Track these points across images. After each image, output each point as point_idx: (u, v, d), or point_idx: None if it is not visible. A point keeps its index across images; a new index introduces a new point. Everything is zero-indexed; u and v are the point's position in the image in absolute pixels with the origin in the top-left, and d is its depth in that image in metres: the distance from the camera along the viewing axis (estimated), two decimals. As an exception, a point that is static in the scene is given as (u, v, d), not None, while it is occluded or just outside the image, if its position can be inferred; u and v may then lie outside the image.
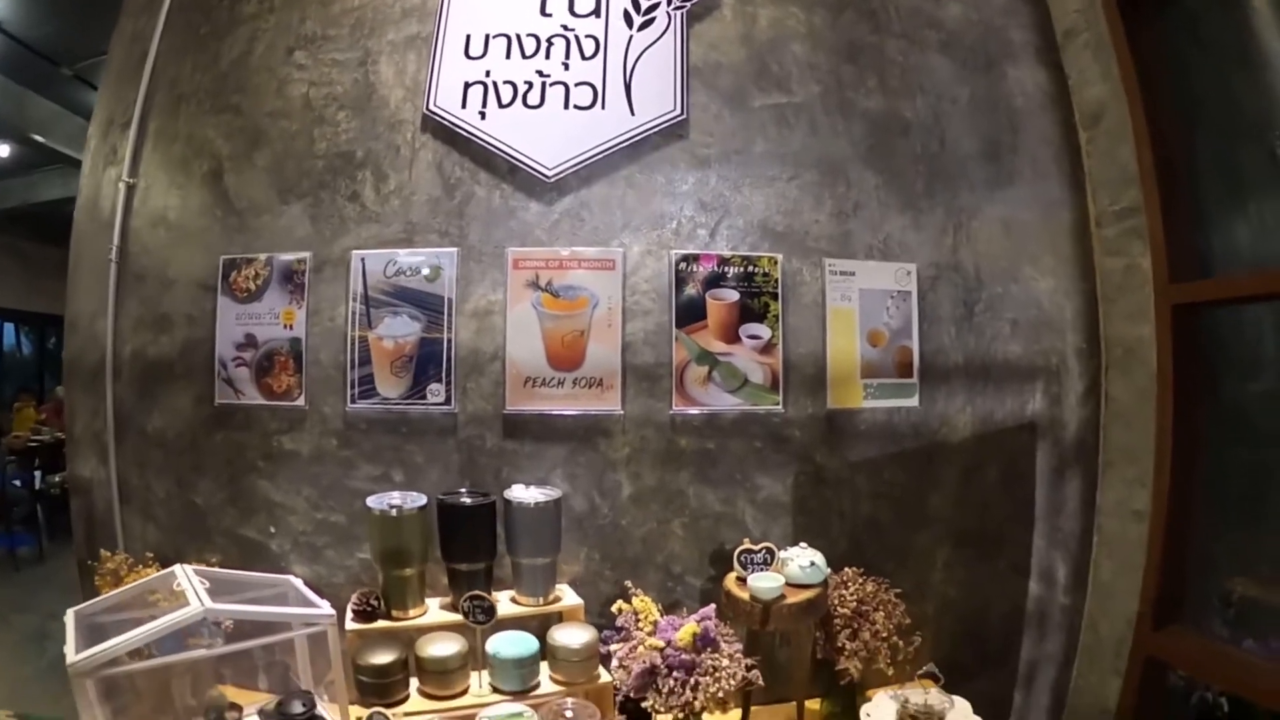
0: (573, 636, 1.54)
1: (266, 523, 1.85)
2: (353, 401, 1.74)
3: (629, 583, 1.59)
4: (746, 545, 1.60)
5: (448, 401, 1.71)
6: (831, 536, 1.81)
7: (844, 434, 1.79)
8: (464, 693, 1.51)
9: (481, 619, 1.50)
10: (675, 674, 1.45)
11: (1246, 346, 1.70)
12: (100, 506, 2.07)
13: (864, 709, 1.55)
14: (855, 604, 1.66)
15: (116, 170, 2.08)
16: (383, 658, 1.48)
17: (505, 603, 1.63)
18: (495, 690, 1.52)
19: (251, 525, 1.87)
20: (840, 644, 1.63)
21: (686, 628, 1.49)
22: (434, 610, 1.62)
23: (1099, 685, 1.84)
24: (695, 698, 1.43)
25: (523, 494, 1.60)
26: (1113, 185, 1.83)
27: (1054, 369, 1.93)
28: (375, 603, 1.58)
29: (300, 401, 1.80)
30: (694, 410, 1.71)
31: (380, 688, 1.47)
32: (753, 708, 1.80)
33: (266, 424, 1.84)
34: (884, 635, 1.63)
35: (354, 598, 1.59)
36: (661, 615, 1.56)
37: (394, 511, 1.57)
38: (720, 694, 1.44)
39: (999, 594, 1.99)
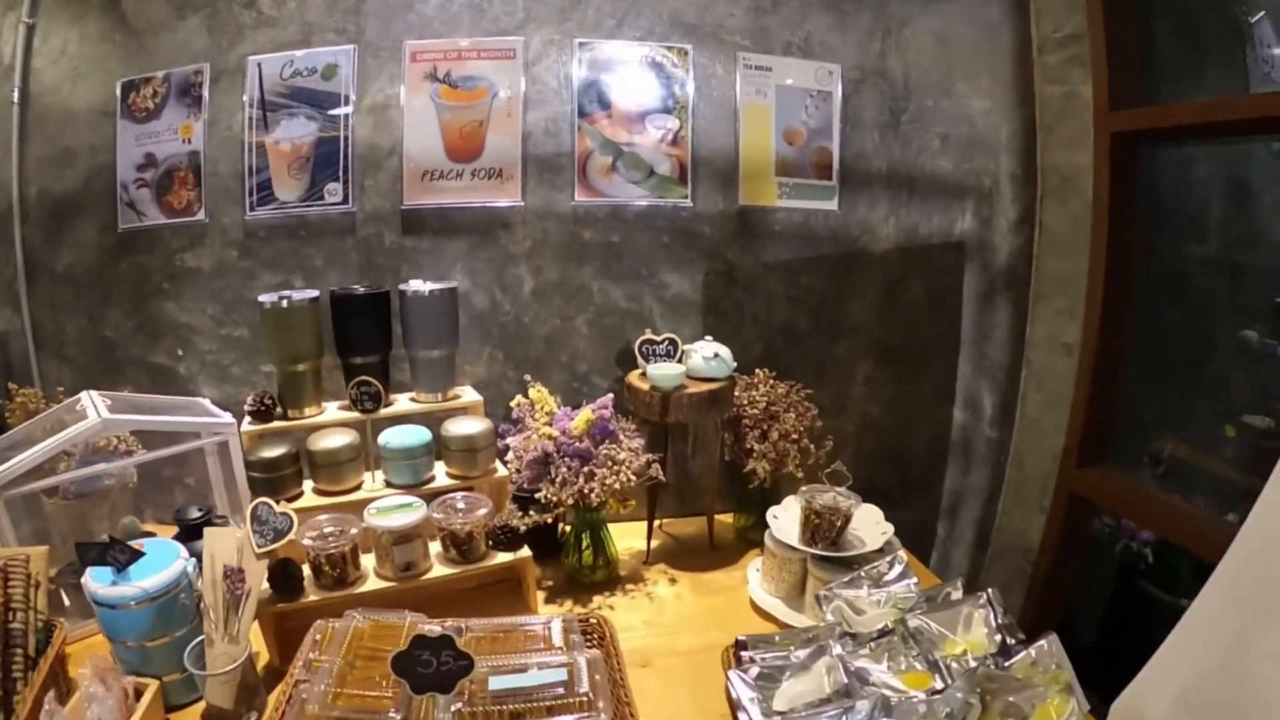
0: (466, 427, 1.49)
1: (174, 346, 1.80)
2: (251, 210, 1.68)
3: (528, 376, 1.55)
4: (648, 335, 1.55)
5: (345, 200, 1.65)
6: (744, 340, 1.77)
7: (757, 233, 1.73)
8: (357, 488, 1.48)
9: (369, 406, 1.46)
10: (569, 462, 1.41)
11: (1192, 206, 1.63)
12: (17, 358, 2.03)
13: (770, 511, 1.51)
14: (765, 405, 1.62)
15: (16, 13, 2.00)
16: (272, 451, 1.43)
17: (404, 402, 1.59)
18: (389, 485, 1.48)
19: (160, 350, 1.82)
20: (749, 445, 1.60)
21: (581, 414, 1.45)
22: (332, 411, 1.57)
23: (1023, 522, 1.83)
24: (591, 489, 1.40)
25: (417, 285, 1.55)
26: (1057, 11, 1.74)
27: (985, 191, 1.87)
28: (270, 401, 1.54)
29: (200, 215, 1.73)
30: (597, 201, 1.64)
31: (271, 482, 1.42)
32: (664, 520, 1.78)
33: (169, 243, 1.78)
34: (794, 437, 1.59)
35: (249, 398, 1.55)
36: (559, 407, 1.52)
37: (284, 303, 1.51)
38: (619, 485, 1.41)
39: (923, 418, 1.96)
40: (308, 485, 1.49)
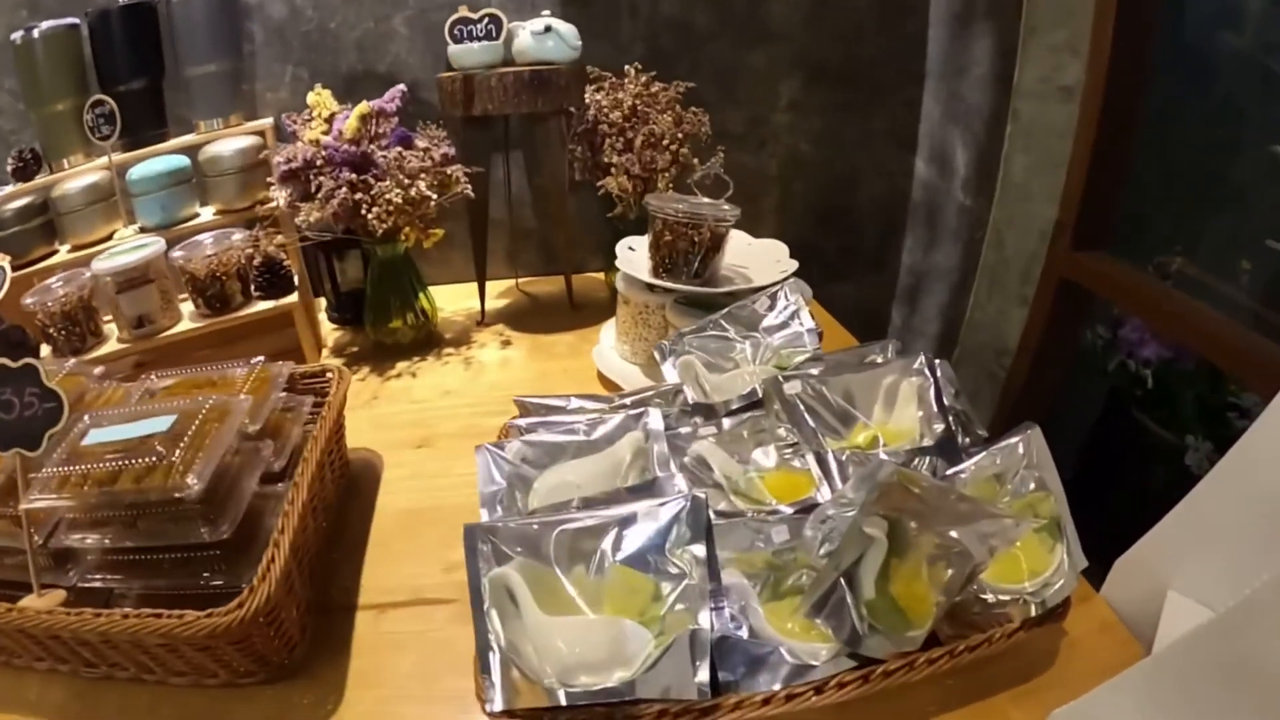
0: (226, 146, 1.16)
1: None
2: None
3: (318, 85, 1.19)
4: (463, 13, 1.15)
5: None
6: (619, 39, 1.32)
7: None
8: (107, 239, 1.19)
9: (106, 131, 1.16)
10: (334, 172, 1.05)
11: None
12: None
13: (625, 240, 1.11)
14: (631, 106, 1.20)
15: None
16: (6, 207, 1.15)
17: (188, 136, 1.27)
18: (142, 231, 1.18)
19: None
20: (607, 159, 1.19)
21: (355, 110, 1.09)
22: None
23: (998, 318, 1.37)
24: (368, 206, 1.04)
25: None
26: None
27: None
28: (30, 155, 1.28)
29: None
30: None
31: (9, 240, 1.14)
32: (525, 279, 1.41)
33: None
34: (668, 143, 1.17)
35: (9, 155, 1.30)
36: (342, 110, 1.16)
37: (35, 34, 1.23)
38: (403, 202, 1.04)
39: (872, 166, 1.47)
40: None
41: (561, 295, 1.32)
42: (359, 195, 1.05)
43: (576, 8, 1.29)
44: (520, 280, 1.43)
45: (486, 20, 1.15)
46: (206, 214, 1.20)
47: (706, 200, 1.02)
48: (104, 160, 1.18)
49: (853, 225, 1.51)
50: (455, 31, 1.15)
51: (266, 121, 1.25)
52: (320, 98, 1.14)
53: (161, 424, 0.72)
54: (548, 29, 1.12)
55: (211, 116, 1.24)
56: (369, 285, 1.18)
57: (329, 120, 1.13)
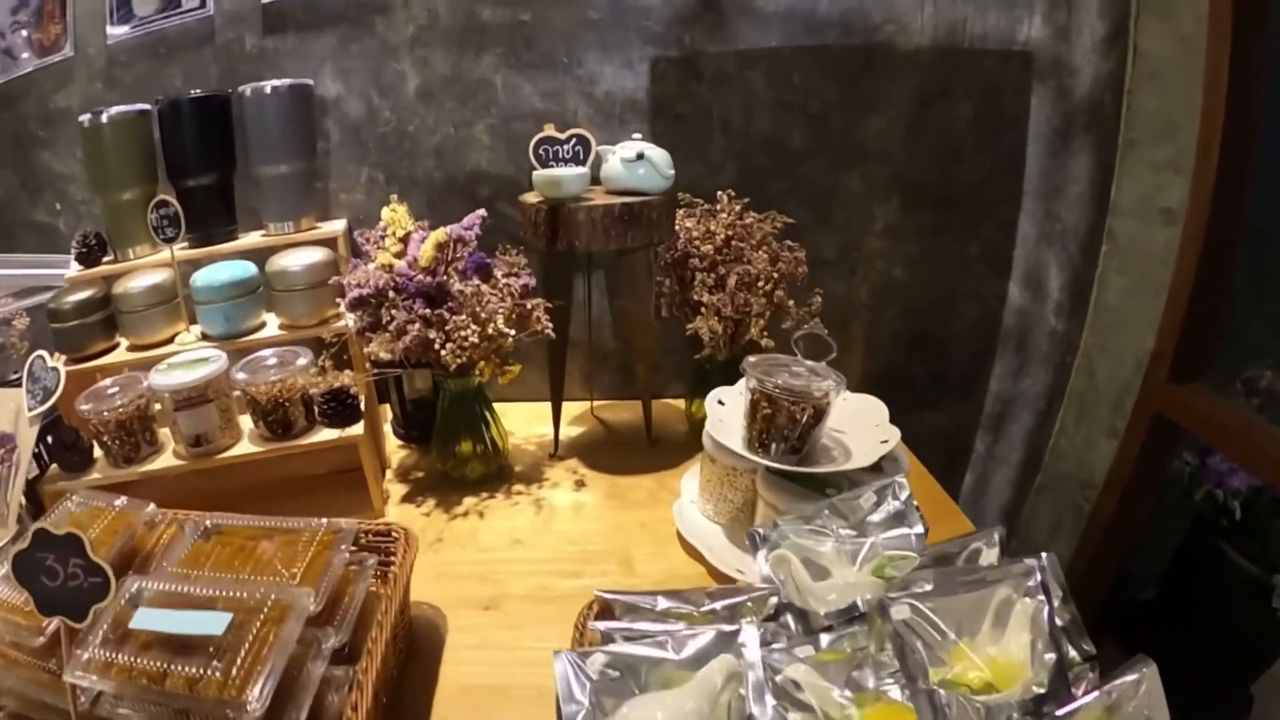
0: (295, 259, 1.10)
1: (53, 200, 1.58)
2: (111, 24, 1.40)
3: (394, 195, 1.14)
4: (549, 132, 1.09)
5: (203, 4, 1.32)
6: (710, 158, 1.26)
7: (729, 10, 1.19)
8: (169, 341, 1.14)
9: (170, 233, 1.11)
10: (409, 304, 0.99)
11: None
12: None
13: (716, 393, 1.03)
14: (724, 238, 1.13)
15: None
16: (74, 297, 1.10)
17: (256, 237, 1.23)
18: (205, 338, 1.13)
19: (42, 208, 1.60)
20: (697, 296, 1.12)
21: (432, 236, 1.03)
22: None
23: (1085, 449, 1.32)
24: (441, 341, 0.98)
25: (257, 85, 1.18)
26: None
27: None
28: (95, 241, 1.24)
29: (68, 49, 1.46)
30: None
31: (69, 334, 1.10)
32: (600, 402, 1.34)
33: (42, 87, 1.54)
34: (763, 286, 1.10)
35: (74, 238, 1.26)
36: (418, 229, 1.11)
37: (103, 119, 1.20)
38: (478, 340, 0.99)
39: (966, 291, 1.38)
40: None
41: (638, 424, 1.25)
42: (432, 333, 0.98)
43: (666, 122, 1.23)
44: (596, 404, 1.36)
45: (574, 142, 1.09)
46: (272, 325, 1.14)
47: (807, 365, 0.94)
48: (167, 255, 1.14)
49: (942, 352, 1.42)
50: (540, 152, 1.09)
51: (339, 225, 1.20)
52: (396, 215, 1.09)
53: (217, 624, 0.66)
54: (640, 156, 1.06)
55: (282, 219, 1.19)
56: (439, 414, 1.12)
57: (404, 240, 1.08)
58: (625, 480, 1.14)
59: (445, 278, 1.01)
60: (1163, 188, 1.16)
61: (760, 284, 1.09)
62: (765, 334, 1.09)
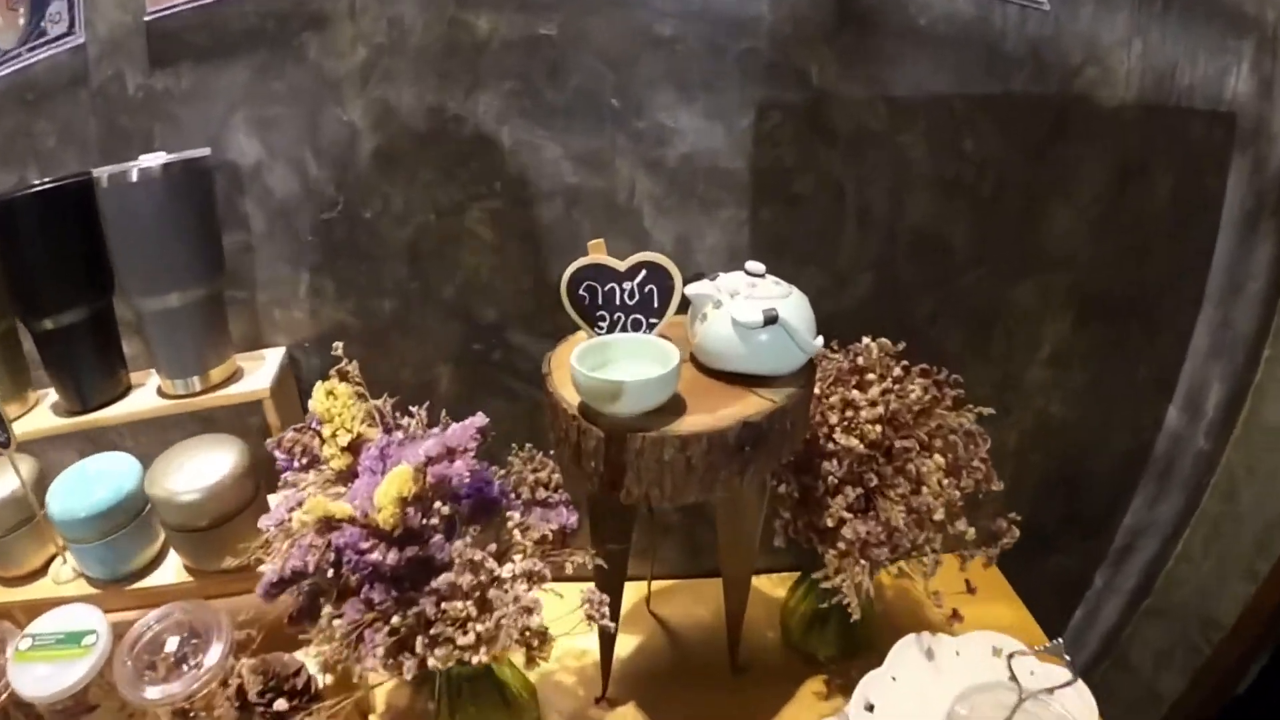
0: (187, 479, 0.70)
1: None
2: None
3: (338, 345, 0.70)
4: (596, 257, 0.64)
5: (72, 28, 0.83)
6: (837, 266, 0.81)
7: (876, 32, 0.71)
8: (41, 571, 0.78)
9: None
10: (366, 591, 0.59)
11: None
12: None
13: (866, 686, 0.65)
14: (880, 424, 0.68)
15: None
16: None
17: (149, 395, 0.83)
18: (84, 578, 0.77)
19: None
20: (830, 519, 0.68)
21: (392, 476, 0.59)
22: (43, 412, 0.83)
23: (1214, 581, 1.06)
24: (426, 644, 0.58)
25: (127, 165, 0.73)
26: None
27: (1270, 34, 0.77)
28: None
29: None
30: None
31: None
32: (657, 584, 0.96)
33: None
34: (930, 508, 0.67)
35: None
36: (384, 422, 0.69)
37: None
38: (485, 650, 0.59)
39: (1123, 422, 1.04)
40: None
41: (714, 628, 0.86)
42: (402, 633, 0.60)
43: (775, 209, 0.76)
44: (654, 588, 0.95)
45: (643, 276, 0.64)
46: (169, 569, 0.76)
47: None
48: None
49: (1080, 491, 1.08)
50: (580, 297, 0.64)
51: (269, 367, 0.79)
52: (335, 404, 0.66)
53: None
54: (771, 319, 0.60)
55: (180, 374, 0.77)
56: (435, 690, 0.74)
57: (351, 450, 0.66)
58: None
59: (423, 533, 0.61)
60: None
61: (931, 509, 0.66)
62: (928, 569, 0.69)
